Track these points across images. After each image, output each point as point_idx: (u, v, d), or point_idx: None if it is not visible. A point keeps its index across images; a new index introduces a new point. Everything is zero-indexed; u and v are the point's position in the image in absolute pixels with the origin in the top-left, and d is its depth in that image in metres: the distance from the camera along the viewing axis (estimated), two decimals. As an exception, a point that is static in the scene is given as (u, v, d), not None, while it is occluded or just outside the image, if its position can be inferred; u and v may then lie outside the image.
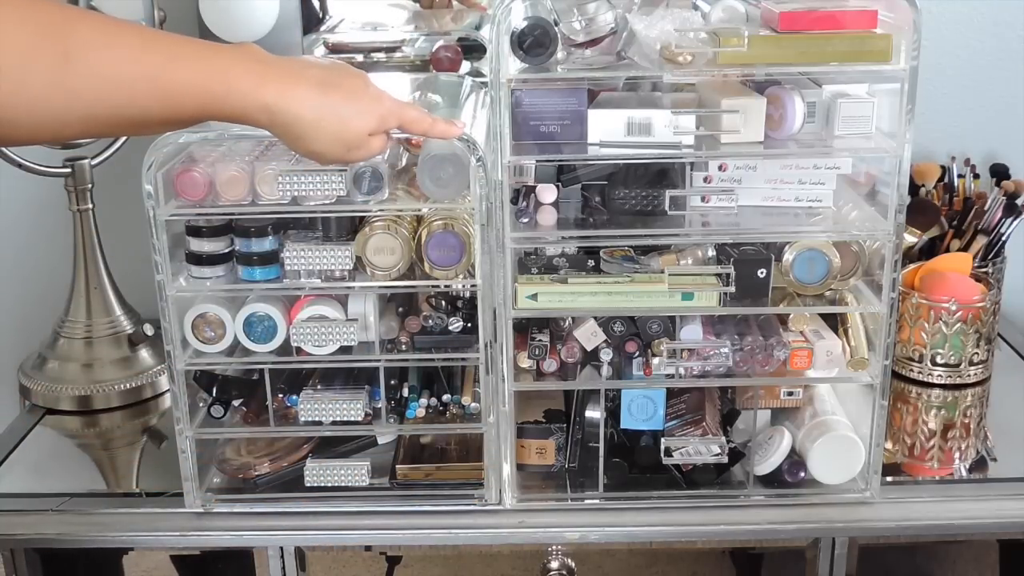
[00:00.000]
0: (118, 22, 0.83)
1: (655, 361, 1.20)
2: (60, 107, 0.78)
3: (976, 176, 1.57)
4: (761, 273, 1.15)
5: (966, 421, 1.39)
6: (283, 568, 1.21)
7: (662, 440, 1.20)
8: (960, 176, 1.57)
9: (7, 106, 0.75)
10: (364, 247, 1.15)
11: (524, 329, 1.21)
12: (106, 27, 0.81)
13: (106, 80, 0.80)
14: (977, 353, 1.43)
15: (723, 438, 1.19)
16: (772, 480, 1.22)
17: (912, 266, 1.44)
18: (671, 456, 1.20)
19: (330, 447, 1.24)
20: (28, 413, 1.45)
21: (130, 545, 1.21)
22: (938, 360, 1.43)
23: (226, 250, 1.17)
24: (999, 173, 1.56)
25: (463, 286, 1.18)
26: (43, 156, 1.41)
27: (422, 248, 1.15)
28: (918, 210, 1.46)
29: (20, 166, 1.40)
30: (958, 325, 1.40)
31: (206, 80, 0.85)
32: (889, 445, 1.31)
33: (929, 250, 1.49)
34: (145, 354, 1.49)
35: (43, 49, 0.76)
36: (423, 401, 1.23)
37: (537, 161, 1.18)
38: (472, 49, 1.47)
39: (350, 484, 1.20)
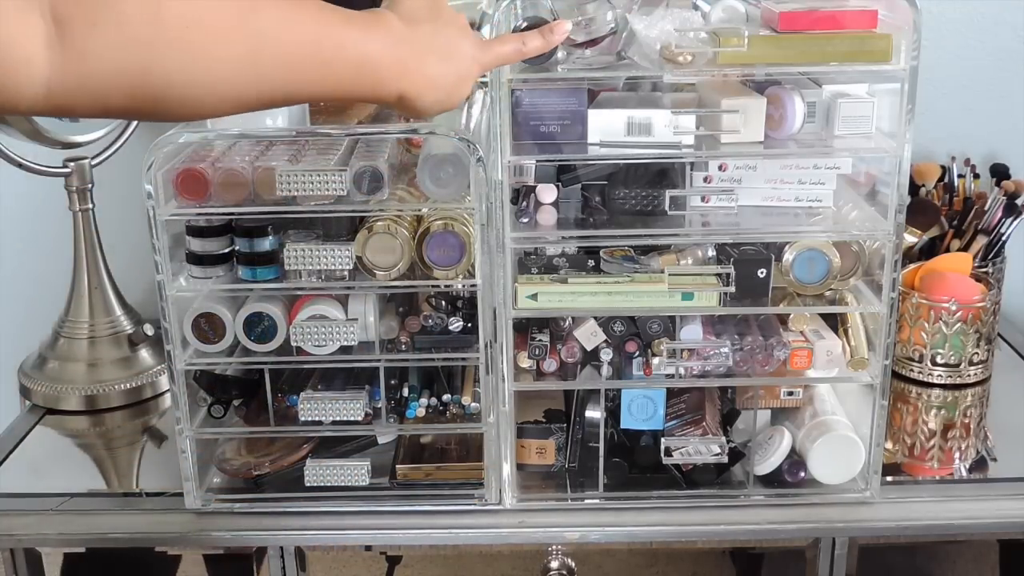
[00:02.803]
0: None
1: (655, 361, 1.20)
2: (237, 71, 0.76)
3: (976, 176, 1.57)
4: (761, 273, 1.15)
5: (966, 421, 1.39)
6: (283, 568, 1.21)
7: (662, 440, 1.20)
8: (960, 176, 1.57)
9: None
10: (364, 247, 1.15)
11: (524, 329, 1.21)
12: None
13: (286, 47, 0.78)
14: (977, 353, 1.43)
15: (723, 438, 1.19)
16: (772, 480, 1.22)
17: (912, 266, 1.44)
18: (671, 456, 1.20)
19: (330, 447, 1.24)
20: (28, 413, 1.45)
21: (130, 545, 1.21)
22: (938, 360, 1.43)
23: (226, 250, 1.17)
24: (999, 173, 1.56)
25: (463, 286, 1.18)
26: (43, 156, 1.41)
27: (422, 248, 1.15)
28: (918, 210, 1.46)
29: (20, 166, 1.39)
30: (958, 325, 1.40)
31: (358, 69, 0.84)
32: (889, 445, 1.31)
33: (929, 250, 1.49)
34: (145, 354, 1.49)
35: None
36: (423, 401, 1.23)
37: (537, 161, 1.18)
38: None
39: (350, 484, 1.20)
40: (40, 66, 0.67)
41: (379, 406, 1.21)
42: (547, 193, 1.19)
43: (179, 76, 0.73)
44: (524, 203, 1.19)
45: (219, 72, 0.75)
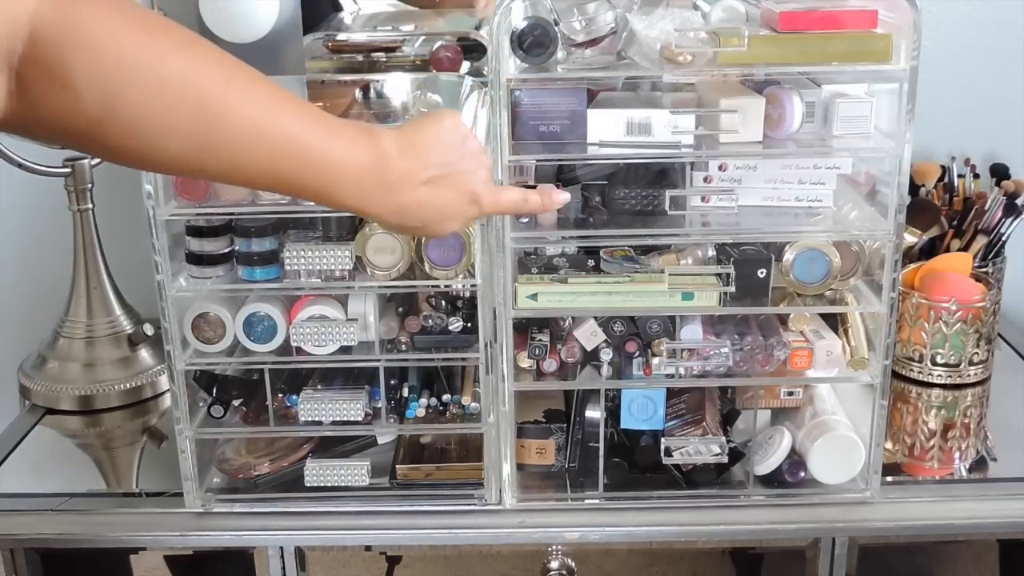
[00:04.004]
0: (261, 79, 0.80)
1: (655, 361, 1.20)
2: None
3: (976, 176, 1.57)
4: (761, 273, 1.15)
5: (966, 421, 1.38)
6: (283, 568, 1.21)
7: (662, 440, 1.20)
8: (960, 176, 1.57)
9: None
10: (364, 247, 1.15)
11: (524, 329, 1.21)
12: (257, 82, 0.78)
13: (249, 126, 0.76)
14: (977, 353, 1.43)
15: (723, 438, 1.19)
16: (772, 480, 1.22)
17: (912, 266, 1.44)
18: (671, 456, 1.20)
19: (330, 447, 1.24)
20: (28, 413, 1.45)
21: (130, 545, 1.21)
22: (938, 360, 1.43)
23: (226, 250, 1.17)
24: (999, 173, 1.56)
25: (463, 286, 1.18)
26: (43, 156, 1.41)
27: (422, 248, 1.15)
28: (918, 210, 1.46)
29: (20, 166, 1.39)
30: (958, 325, 1.40)
31: (317, 174, 0.81)
32: (889, 445, 1.31)
33: (929, 250, 1.49)
34: (145, 354, 1.48)
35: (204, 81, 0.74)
36: (423, 401, 1.23)
37: (537, 161, 1.18)
38: (472, 49, 1.46)
39: (350, 484, 1.20)
40: (1, 112, 0.70)
41: (379, 406, 1.21)
42: (547, 193, 1.19)
43: (122, 150, 0.74)
44: (524, 203, 1.19)
45: (164, 155, 0.75)
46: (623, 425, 1.22)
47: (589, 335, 1.20)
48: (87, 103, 0.70)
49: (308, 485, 1.20)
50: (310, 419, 1.19)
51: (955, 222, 1.50)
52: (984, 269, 1.46)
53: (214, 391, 1.22)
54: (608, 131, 1.14)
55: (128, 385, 1.45)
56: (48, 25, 0.69)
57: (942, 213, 1.50)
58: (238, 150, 0.76)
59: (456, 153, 0.89)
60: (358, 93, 1.33)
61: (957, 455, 1.32)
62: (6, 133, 0.77)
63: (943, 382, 1.43)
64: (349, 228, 1.18)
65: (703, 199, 1.18)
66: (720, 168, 1.18)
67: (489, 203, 0.93)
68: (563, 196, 1.01)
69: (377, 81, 1.33)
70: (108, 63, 0.70)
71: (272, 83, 0.79)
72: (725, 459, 1.20)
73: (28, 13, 0.68)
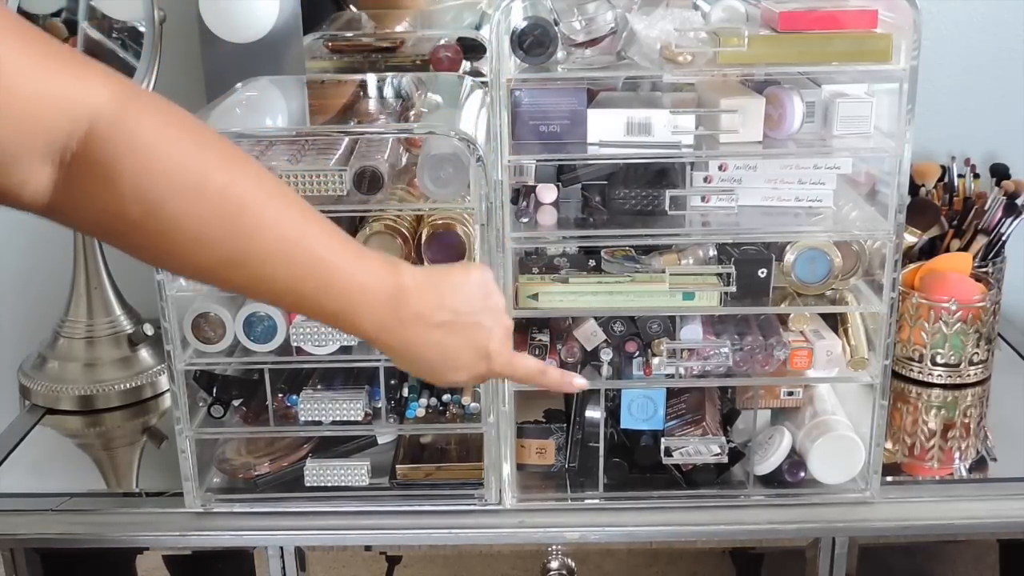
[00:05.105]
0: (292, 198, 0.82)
1: (655, 361, 1.20)
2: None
3: (976, 176, 1.57)
4: (762, 273, 1.15)
5: (966, 421, 1.38)
6: (283, 568, 1.21)
7: (662, 440, 1.20)
8: (960, 176, 1.57)
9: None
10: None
11: (524, 329, 1.21)
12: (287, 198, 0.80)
13: (271, 240, 0.78)
14: (977, 353, 1.43)
15: (723, 438, 1.19)
16: (772, 480, 1.22)
17: (912, 266, 1.44)
18: (671, 456, 1.20)
19: (330, 447, 1.24)
20: (28, 413, 1.45)
21: (130, 545, 1.21)
22: (938, 360, 1.43)
23: (226, 250, 1.16)
24: (999, 173, 1.56)
25: (463, 286, 1.17)
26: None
27: (422, 248, 1.15)
28: (918, 210, 1.46)
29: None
30: (958, 325, 1.40)
31: (344, 302, 0.82)
32: (889, 445, 1.31)
33: (929, 250, 1.49)
34: (145, 354, 1.48)
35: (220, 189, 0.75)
36: (423, 401, 1.23)
37: (537, 161, 1.18)
38: (472, 49, 1.47)
39: (350, 484, 1.20)
40: (42, 199, 0.73)
41: (379, 406, 1.21)
42: (547, 193, 1.19)
43: (152, 252, 0.78)
44: (524, 203, 1.19)
45: (192, 263, 0.78)
46: (623, 425, 1.22)
47: (589, 335, 1.20)
48: (129, 206, 0.72)
49: (308, 485, 1.20)
50: (310, 419, 1.19)
51: (955, 222, 1.50)
52: (984, 269, 1.46)
53: (214, 391, 1.22)
54: (608, 131, 1.14)
55: (128, 385, 1.45)
56: (106, 126, 0.70)
57: (942, 213, 1.50)
58: (265, 268, 0.78)
59: (476, 305, 0.88)
60: (372, 87, 1.32)
61: (957, 455, 1.32)
62: (40, 217, 0.80)
63: (943, 382, 1.43)
64: (349, 228, 1.18)
65: (703, 199, 1.18)
66: (720, 168, 1.18)
67: (501, 364, 0.91)
68: (581, 382, 0.98)
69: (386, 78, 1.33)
70: (157, 172, 0.72)
71: (305, 203, 0.82)
72: (725, 459, 1.20)
73: (91, 112, 0.70)
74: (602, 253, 1.19)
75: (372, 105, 1.32)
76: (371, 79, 1.34)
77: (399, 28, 1.52)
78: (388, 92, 1.33)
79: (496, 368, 0.90)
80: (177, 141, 0.73)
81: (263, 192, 0.77)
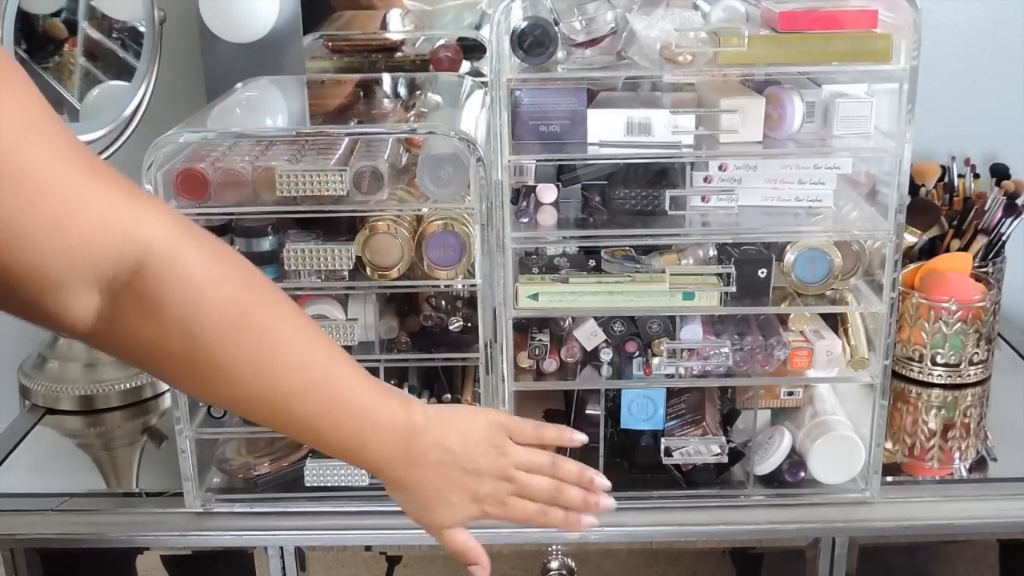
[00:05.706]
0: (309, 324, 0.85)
1: (655, 361, 1.20)
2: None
3: (976, 176, 1.57)
4: (762, 273, 1.15)
5: (966, 421, 1.38)
6: (283, 568, 1.21)
7: (662, 440, 1.20)
8: (960, 176, 1.57)
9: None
10: (364, 247, 1.15)
11: (524, 329, 1.21)
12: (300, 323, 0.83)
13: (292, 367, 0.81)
14: (977, 353, 1.43)
15: (723, 438, 1.19)
16: (772, 480, 1.22)
17: (912, 266, 1.44)
18: (671, 456, 1.20)
19: (330, 447, 1.24)
20: (28, 413, 1.45)
21: (130, 545, 1.21)
22: (938, 360, 1.43)
23: (226, 250, 1.16)
24: (999, 173, 1.56)
25: (463, 286, 1.18)
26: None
27: (422, 248, 1.15)
28: (918, 210, 1.46)
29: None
30: (958, 325, 1.40)
31: (357, 431, 0.86)
32: (889, 445, 1.31)
33: (929, 250, 1.49)
34: (145, 354, 1.48)
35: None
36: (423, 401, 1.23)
37: (537, 161, 1.18)
38: (472, 49, 1.47)
39: (350, 484, 1.20)
40: (85, 325, 0.73)
41: (379, 406, 1.21)
42: (547, 193, 1.19)
43: (184, 381, 0.81)
44: (524, 203, 1.19)
45: (218, 395, 0.82)
46: (623, 425, 1.22)
47: (589, 335, 1.20)
48: (172, 339, 0.74)
49: (308, 485, 1.20)
50: (310, 419, 1.19)
51: (955, 222, 1.50)
52: (984, 269, 1.46)
53: (214, 391, 1.22)
54: (608, 131, 1.14)
55: (128, 385, 1.45)
56: (157, 260, 0.72)
57: (942, 213, 1.50)
58: (288, 404, 0.81)
59: (475, 449, 0.90)
60: (388, 84, 1.32)
61: (957, 455, 1.32)
62: (80, 342, 0.83)
63: (943, 382, 1.43)
64: (349, 228, 1.18)
65: (703, 199, 1.18)
66: (720, 168, 1.18)
67: (494, 509, 0.92)
68: (590, 521, 0.96)
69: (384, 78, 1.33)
70: (204, 309, 0.74)
71: (332, 342, 0.86)
72: (725, 459, 1.20)
73: (145, 246, 0.71)
74: (602, 253, 1.19)
75: (372, 105, 1.32)
76: (371, 79, 1.35)
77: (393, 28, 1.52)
78: (388, 92, 1.33)
79: (491, 512, 0.92)
80: (224, 279, 0.76)
81: (297, 333, 0.81)
